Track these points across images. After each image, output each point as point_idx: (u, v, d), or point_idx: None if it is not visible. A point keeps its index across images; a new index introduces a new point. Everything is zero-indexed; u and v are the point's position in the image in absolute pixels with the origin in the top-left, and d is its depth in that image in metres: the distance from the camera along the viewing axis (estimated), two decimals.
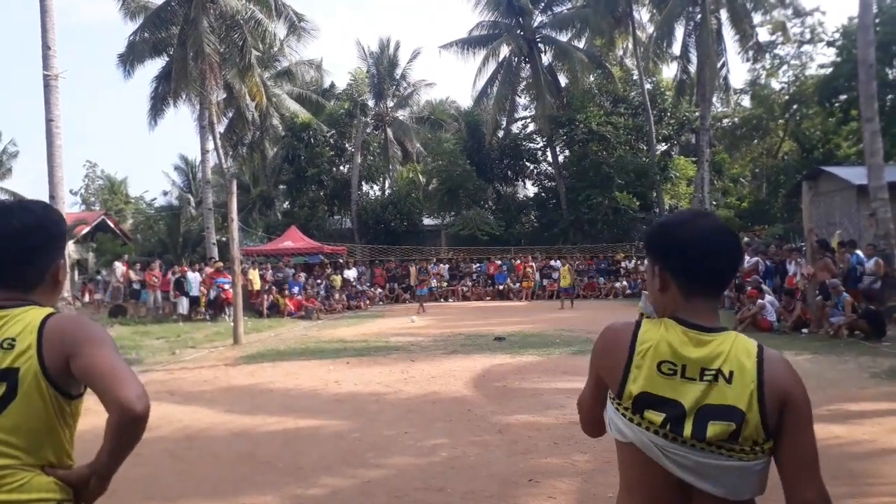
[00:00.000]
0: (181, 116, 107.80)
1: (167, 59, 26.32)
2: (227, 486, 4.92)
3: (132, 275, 21.22)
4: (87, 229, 33.86)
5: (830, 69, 26.69)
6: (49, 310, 1.76)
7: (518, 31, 32.67)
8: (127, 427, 1.64)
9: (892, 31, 22.19)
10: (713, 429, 1.46)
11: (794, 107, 31.85)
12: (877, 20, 18.14)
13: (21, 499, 1.63)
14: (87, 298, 26.41)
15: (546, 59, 33.44)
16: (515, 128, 36.96)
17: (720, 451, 1.47)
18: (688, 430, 1.48)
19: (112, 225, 35.99)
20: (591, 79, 33.82)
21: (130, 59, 25.63)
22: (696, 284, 1.57)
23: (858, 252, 14.09)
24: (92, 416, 2.12)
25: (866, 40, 14.75)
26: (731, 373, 1.49)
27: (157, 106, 27.34)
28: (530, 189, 38.42)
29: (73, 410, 1.76)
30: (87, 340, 1.69)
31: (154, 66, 27.12)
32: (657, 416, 1.50)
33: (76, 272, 29.41)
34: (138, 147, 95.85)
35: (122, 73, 25.73)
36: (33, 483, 1.66)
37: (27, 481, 1.65)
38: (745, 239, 23.50)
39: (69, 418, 1.75)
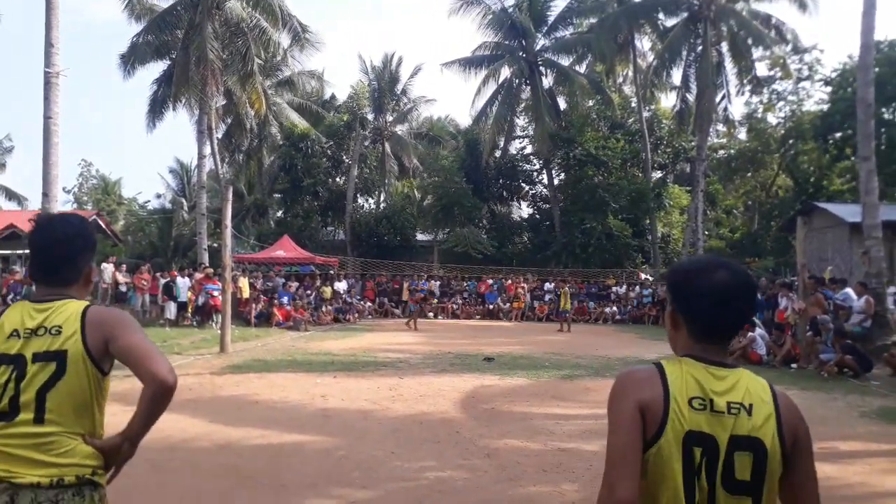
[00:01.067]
0: (180, 120, 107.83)
1: (169, 62, 26.29)
2: (209, 499, 4.82)
3: (119, 277, 21.02)
4: None
5: (827, 106, 26.98)
6: (86, 302, 2.15)
7: (520, 53, 32.89)
8: (160, 397, 2.03)
9: (888, 72, 22.49)
10: (741, 462, 1.55)
11: (790, 141, 32.15)
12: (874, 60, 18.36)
13: (67, 462, 1.97)
14: None
15: (547, 82, 33.65)
16: (513, 148, 37.13)
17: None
18: (720, 465, 1.56)
19: (103, 225, 35.59)
20: (591, 104, 34.07)
21: (132, 59, 25.58)
22: (707, 333, 1.68)
23: (848, 290, 14.15)
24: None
25: (866, 80, 14.89)
26: (751, 405, 1.59)
27: (157, 108, 27.30)
28: (525, 210, 38.55)
29: (105, 386, 2.12)
30: (123, 325, 2.09)
31: (156, 68, 27.12)
32: (698, 451, 1.56)
33: None
34: (135, 149, 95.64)
35: (123, 73, 25.67)
36: (77, 450, 2.00)
37: (72, 448, 1.99)
38: None
39: (103, 393, 2.12)
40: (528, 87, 33.31)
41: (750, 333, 13.13)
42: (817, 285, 13.45)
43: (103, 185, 45.07)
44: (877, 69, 18.23)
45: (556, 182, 34.12)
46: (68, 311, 2.08)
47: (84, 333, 2.04)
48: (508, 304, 26.36)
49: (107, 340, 2.05)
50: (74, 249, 2.19)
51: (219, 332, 14.66)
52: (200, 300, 19.16)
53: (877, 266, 14.48)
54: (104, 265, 22.39)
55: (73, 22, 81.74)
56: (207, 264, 22.14)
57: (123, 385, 10.02)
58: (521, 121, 36.31)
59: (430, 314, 25.46)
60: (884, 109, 23.85)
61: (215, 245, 26.14)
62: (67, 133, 76.32)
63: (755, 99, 33.42)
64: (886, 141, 23.33)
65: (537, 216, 35.99)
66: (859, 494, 5.21)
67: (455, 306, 26.68)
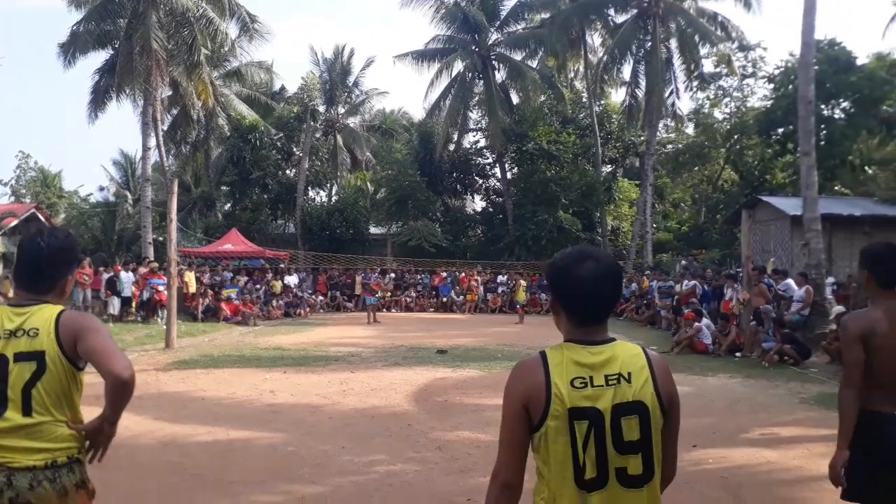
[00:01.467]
0: (123, 111, 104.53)
1: (112, 51, 25.42)
2: (153, 498, 4.68)
3: None
4: (15, 222, 32.35)
5: (770, 102, 27.71)
6: (60, 307, 2.43)
7: (473, 48, 32.89)
8: (120, 389, 2.30)
9: (828, 70, 23.20)
10: (629, 425, 1.78)
11: (735, 136, 32.94)
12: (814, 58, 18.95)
13: (57, 446, 2.29)
14: (3, 292, 25.09)
15: (499, 76, 33.71)
16: (467, 142, 37.17)
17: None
18: (608, 432, 1.78)
19: (43, 219, 34.37)
20: (543, 98, 34.32)
21: (72, 49, 24.60)
22: (583, 317, 1.87)
23: (789, 280, 14.61)
24: None
25: (807, 77, 15.33)
26: (629, 374, 1.81)
27: (99, 99, 26.33)
28: (478, 203, 38.68)
29: (81, 379, 2.41)
30: (89, 329, 2.35)
31: (97, 58, 26.10)
32: (583, 425, 1.77)
33: (1, 266, 27.99)
34: (76, 140, 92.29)
35: (63, 63, 24.69)
36: (62, 434, 2.31)
37: (59, 433, 2.30)
38: (684, 262, 24.16)
39: (79, 385, 2.41)
40: (482, 81, 33.35)
41: (696, 324, 13.44)
42: (761, 276, 13.83)
43: (42, 177, 43.40)
44: (817, 67, 18.82)
45: (508, 176, 34.32)
46: (44, 315, 2.36)
47: (58, 335, 2.31)
48: (462, 297, 26.43)
49: (76, 341, 2.31)
50: (56, 262, 2.48)
51: (164, 327, 14.32)
52: (145, 295, 18.68)
53: (816, 257, 14.96)
54: None
55: (8, 10, 78.42)
56: (152, 258, 21.53)
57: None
58: (474, 114, 36.37)
59: (384, 308, 25.37)
60: (823, 106, 24.59)
61: (160, 239, 25.44)
62: (4, 123, 73.37)
63: (702, 95, 34.16)
64: (826, 137, 24.05)
65: (490, 209, 36.16)
66: (797, 478, 5.37)
67: (409, 299, 26.62)
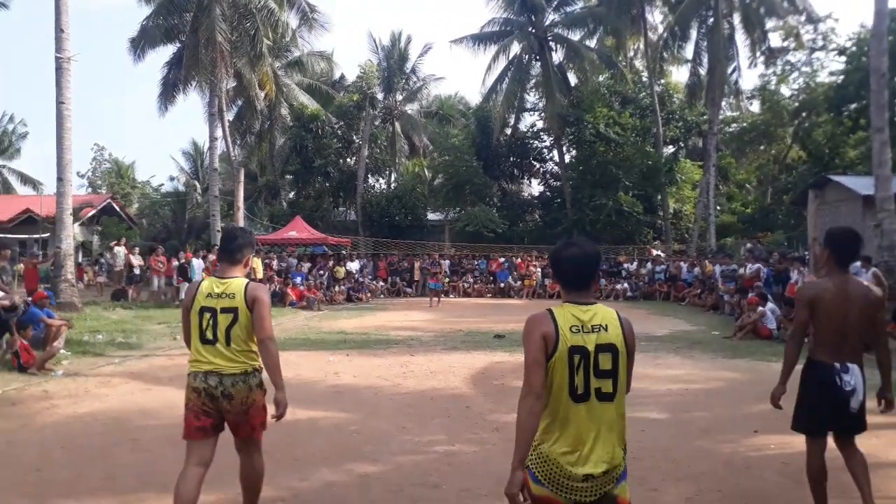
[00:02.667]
0: (191, 103, 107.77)
1: (179, 45, 26.31)
2: (225, 475, 4.94)
3: (133, 259, 21.28)
4: (92, 212, 33.97)
5: (841, 77, 26.55)
6: (246, 280, 3.80)
7: (530, 29, 32.57)
8: (261, 348, 3.74)
9: None
10: (604, 358, 2.61)
11: (804, 114, 31.70)
12: (889, 29, 18.05)
13: (248, 361, 3.73)
14: (87, 280, 26.44)
15: (557, 57, 33.31)
16: (523, 126, 36.91)
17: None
18: (591, 363, 2.61)
19: (118, 208, 36.06)
20: (602, 79, 33.74)
21: (142, 43, 25.61)
22: (572, 287, 2.75)
23: (857, 264, 14.01)
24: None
25: (880, 49, 14.65)
26: (607, 325, 2.65)
27: (168, 92, 27.38)
28: (536, 188, 38.42)
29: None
30: (260, 300, 3.70)
31: (166, 51, 27.14)
32: (577, 357, 2.59)
33: (80, 254, 29.48)
34: (147, 132, 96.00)
35: (133, 57, 25.71)
36: (248, 355, 3.75)
37: (246, 355, 3.75)
38: (748, 245, 23.48)
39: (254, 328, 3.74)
40: (539, 63, 33.04)
41: (760, 308, 13.13)
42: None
43: (116, 168, 45.34)
44: (892, 38, 17.95)
45: (566, 159, 33.95)
46: (238, 285, 3.75)
47: (245, 298, 3.70)
48: (520, 283, 26.40)
49: (254, 304, 3.70)
50: (242, 245, 3.90)
51: None
52: None
53: (889, 239, 14.35)
54: (116, 248, 22.65)
55: (83, 8, 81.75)
56: None
57: (141, 364, 10.20)
58: (531, 97, 36.05)
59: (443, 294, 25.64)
60: None
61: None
62: (80, 118, 76.41)
63: (768, 71, 32.95)
64: None
65: (548, 193, 35.87)
66: (870, 465, 5.25)
67: (466, 285, 26.77)
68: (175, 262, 20.17)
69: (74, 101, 16.60)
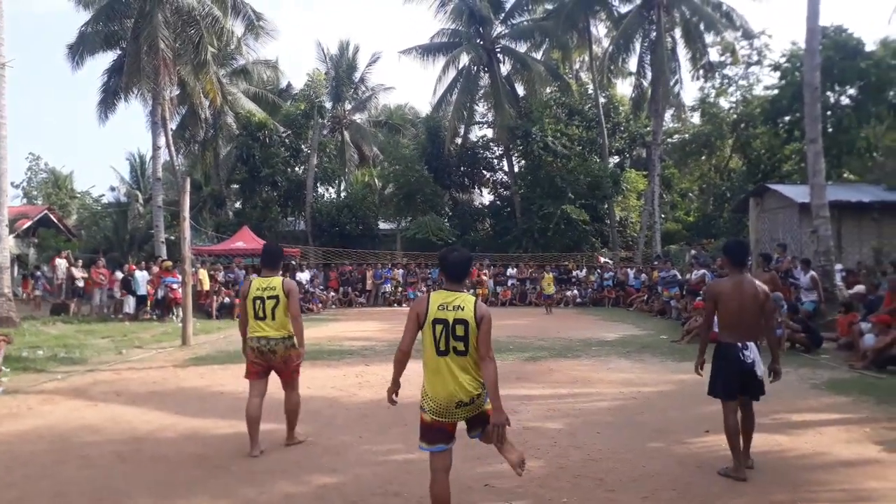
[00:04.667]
0: (133, 111, 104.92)
1: (120, 52, 25.61)
2: (178, 489, 4.82)
3: (75, 272, 20.56)
4: (28, 223, 32.67)
5: (776, 91, 27.62)
6: (282, 277, 5.81)
7: (478, 41, 32.90)
8: (294, 321, 5.76)
9: (834, 56, 23.11)
10: (458, 328, 3.79)
11: (742, 125, 32.85)
12: (820, 45, 18.89)
13: (284, 330, 5.73)
14: (23, 294, 25.43)
15: (505, 69, 33.71)
16: (473, 136, 37.22)
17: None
18: (450, 330, 3.82)
19: (55, 220, 34.81)
20: (549, 90, 34.29)
21: (81, 50, 24.79)
22: (448, 279, 3.98)
23: (797, 268, 14.59)
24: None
25: (812, 64, 15.33)
26: (464, 306, 3.81)
27: (108, 99, 26.53)
28: (486, 197, 38.73)
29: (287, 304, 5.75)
30: (292, 292, 5.70)
31: (106, 58, 26.34)
32: (440, 326, 3.82)
33: (16, 267, 28.29)
34: (87, 141, 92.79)
35: (72, 64, 24.86)
36: (287, 327, 5.73)
37: (286, 327, 5.73)
38: (693, 252, 24.13)
39: (288, 311, 5.74)
40: (487, 74, 33.39)
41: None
42: (766, 263, 13.81)
43: (53, 178, 43.78)
44: (824, 54, 18.75)
45: (516, 169, 34.34)
46: (277, 281, 5.72)
47: (283, 289, 5.63)
48: (472, 291, 26.53)
49: (289, 296, 5.66)
50: (277, 255, 6.03)
51: (180, 325, 14.50)
52: (160, 294, 18.87)
53: (824, 244, 14.99)
54: (58, 260, 21.86)
55: (19, 12, 78.81)
56: (165, 257, 21.76)
57: (85, 380, 9.82)
58: (480, 108, 36.39)
59: (395, 304, 25.55)
60: (830, 93, 24.52)
61: (172, 238, 25.67)
62: (14, 126, 73.70)
63: (707, 84, 34.07)
64: (834, 124, 23.97)
65: (498, 202, 36.23)
66: (811, 462, 5.45)
67: (420, 293, 26.72)
68: (119, 274, 19.57)
69: (9, 108, 16.00)
